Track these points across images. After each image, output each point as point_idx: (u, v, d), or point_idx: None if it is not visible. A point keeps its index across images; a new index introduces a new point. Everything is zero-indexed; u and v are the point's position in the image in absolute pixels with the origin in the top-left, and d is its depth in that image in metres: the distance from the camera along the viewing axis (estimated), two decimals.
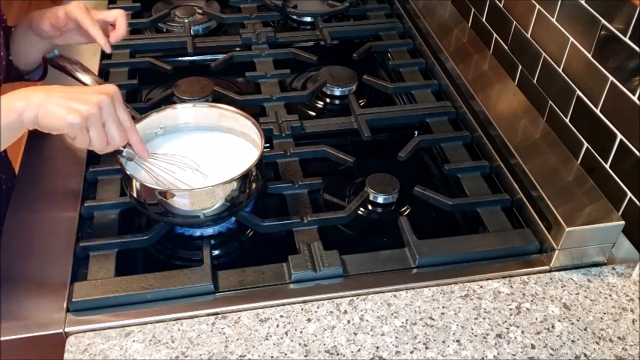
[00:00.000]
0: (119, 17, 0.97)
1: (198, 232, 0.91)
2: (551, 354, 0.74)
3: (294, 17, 1.44)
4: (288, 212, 0.92)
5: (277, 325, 0.76)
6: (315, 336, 0.75)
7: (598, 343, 0.76)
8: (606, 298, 0.81)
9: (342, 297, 0.80)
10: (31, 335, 0.74)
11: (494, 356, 0.74)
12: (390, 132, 1.13)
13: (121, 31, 0.97)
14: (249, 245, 0.92)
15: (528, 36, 1.05)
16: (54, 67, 0.93)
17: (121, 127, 0.78)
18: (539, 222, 0.87)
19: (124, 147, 0.80)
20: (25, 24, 0.98)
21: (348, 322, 0.77)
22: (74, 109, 0.73)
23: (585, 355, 0.74)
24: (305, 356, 0.73)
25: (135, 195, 0.83)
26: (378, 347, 0.74)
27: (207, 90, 1.14)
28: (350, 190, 1.00)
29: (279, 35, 1.35)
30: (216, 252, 0.89)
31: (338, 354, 0.73)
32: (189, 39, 1.30)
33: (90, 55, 1.22)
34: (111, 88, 0.78)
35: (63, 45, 0.99)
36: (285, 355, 0.73)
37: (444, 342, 0.75)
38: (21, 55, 1.01)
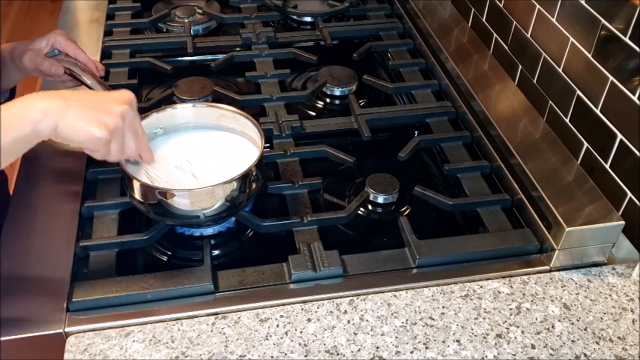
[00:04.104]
0: (88, 63, 0.96)
1: (198, 232, 0.91)
2: (551, 354, 0.74)
3: (294, 17, 1.44)
4: (288, 212, 0.92)
5: (277, 325, 0.76)
6: (315, 336, 0.75)
7: (598, 343, 0.75)
8: (606, 298, 0.81)
9: (342, 297, 0.80)
10: (31, 335, 0.74)
11: (494, 356, 0.74)
12: (390, 132, 1.13)
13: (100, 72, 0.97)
14: (249, 245, 0.92)
15: (528, 36, 1.05)
16: None
17: (137, 136, 0.75)
18: (539, 222, 0.87)
19: None
20: (6, 53, 0.93)
21: (348, 322, 0.77)
22: (100, 122, 0.69)
23: (585, 355, 0.74)
24: (305, 356, 0.73)
25: (135, 195, 0.83)
26: (378, 347, 0.74)
27: (207, 90, 1.14)
28: (350, 190, 1.00)
29: (279, 35, 1.35)
30: (216, 252, 0.89)
31: (338, 354, 0.73)
32: (189, 39, 1.30)
33: (89, 54, 1.21)
34: (128, 95, 0.75)
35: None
36: (285, 355, 0.73)
37: (444, 342, 0.75)
38: None
